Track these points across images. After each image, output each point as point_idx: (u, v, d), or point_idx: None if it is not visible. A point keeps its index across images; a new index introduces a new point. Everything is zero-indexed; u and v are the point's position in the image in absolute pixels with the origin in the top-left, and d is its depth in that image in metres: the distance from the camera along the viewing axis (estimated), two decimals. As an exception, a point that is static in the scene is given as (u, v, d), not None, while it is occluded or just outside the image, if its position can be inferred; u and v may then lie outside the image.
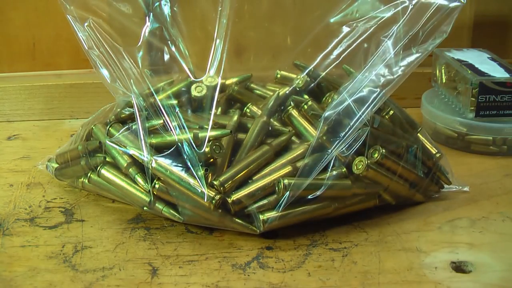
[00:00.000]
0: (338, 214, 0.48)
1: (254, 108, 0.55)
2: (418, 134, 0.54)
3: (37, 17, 0.75)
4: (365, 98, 0.48)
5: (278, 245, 0.46)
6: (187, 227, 0.49)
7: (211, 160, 0.48)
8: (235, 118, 0.52)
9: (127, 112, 0.53)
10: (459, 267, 0.43)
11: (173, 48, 0.56)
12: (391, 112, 0.52)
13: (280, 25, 0.60)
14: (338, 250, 0.46)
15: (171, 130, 0.49)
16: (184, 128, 0.49)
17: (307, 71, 0.55)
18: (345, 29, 0.54)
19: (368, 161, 0.47)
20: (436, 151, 0.54)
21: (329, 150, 0.47)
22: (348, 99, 0.48)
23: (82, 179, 0.53)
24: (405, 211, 0.51)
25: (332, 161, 0.47)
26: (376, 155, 0.48)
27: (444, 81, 0.68)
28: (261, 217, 0.46)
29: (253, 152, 0.49)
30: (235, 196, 0.46)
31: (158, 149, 0.48)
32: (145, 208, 0.49)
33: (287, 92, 0.55)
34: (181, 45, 0.56)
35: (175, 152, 0.48)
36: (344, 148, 0.47)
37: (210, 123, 0.50)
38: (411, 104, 0.71)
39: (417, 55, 0.49)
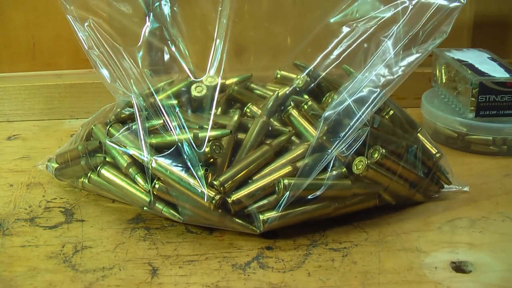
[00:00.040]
0: (338, 214, 0.48)
1: (254, 108, 0.55)
2: (418, 134, 0.54)
3: (37, 17, 0.75)
4: (365, 98, 0.48)
5: (278, 245, 0.46)
6: (187, 227, 0.49)
7: (211, 160, 0.48)
8: (235, 118, 0.52)
9: (127, 112, 0.53)
10: (459, 267, 0.43)
11: (173, 48, 0.56)
12: (391, 112, 0.52)
13: (280, 25, 0.60)
14: (338, 250, 0.46)
15: (171, 130, 0.49)
16: (184, 128, 0.49)
17: (307, 71, 0.55)
18: (345, 29, 0.54)
19: (368, 161, 0.47)
20: (436, 151, 0.54)
21: (329, 150, 0.47)
22: (348, 99, 0.48)
23: (82, 179, 0.53)
24: (405, 211, 0.51)
25: (332, 161, 0.47)
26: (376, 155, 0.48)
27: (444, 81, 0.68)
28: (261, 217, 0.46)
29: (253, 152, 0.49)
30: (235, 196, 0.46)
31: (158, 149, 0.48)
32: (145, 208, 0.49)
33: (287, 92, 0.55)
34: (181, 45, 0.56)
35: (175, 152, 0.48)
36: (344, 148, 0.47)
37: (210, 123, 0.50)
38: (411, 104, 0.71)
39: (417, 55, 0.49)
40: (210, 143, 0.47)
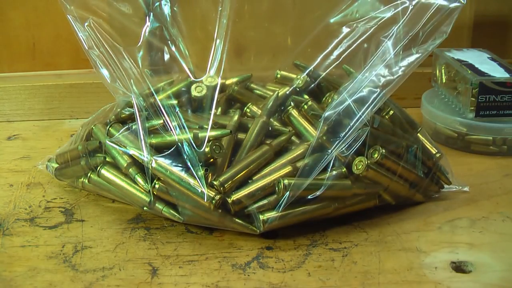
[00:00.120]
0: (338, 214, 0.48)
1: (254, 108, 0.55)
2: (418, 134, 0.54)
3: (37, 17, 0.75)
4: (365, 98, 0.48)
5: (278, 245, 0.46)
6: (187, 227, 0.49)
7: (211, 160, 0.48)
8: (235, 118, 0.52)
9: (127, 112, 0.53)
10: (459, 267, 0.43)
11: (173, 48, 0.56)
12: (391, 112, 0.52)
13: (280, 25, 0.60)
14: (338, 250, 0.46)
15: (171, 130, 0.49)
16: (184, 128, 0.49)
17: (307, 71, 0.55)
18: (345, 30, 0.54)
19: (368, 161, 0.47)
20: (436, 151, 0.54)
21: (329, 150, 0.47)
22: (348, 99, 0.48)
23: (82, 179, 0.53)
24: (405, 211, 0.51)
25: (332, 161, 0.47)
26: (376, 155, 0.48)
27: (444, 81, 0.68)
28: (261, 217, 0.46)
29: (253, 152, 0.49)
30: (235, 196, 0.46)
31: (158, 149, 0.48)
32: (145, 208, 0.49)
33: (287, 92, 0.55)
34: (181, 45, 0.56)
35: (175, 152, 0.48)
36: (344, 148, 0.47)
37: (210, 123, 0.50)
38: (411, 104, 0.71)
39: (417, 55, 0.49)
40: (210, 143, 0.47)
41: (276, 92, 0.54)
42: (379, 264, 0.44)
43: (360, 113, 0.47)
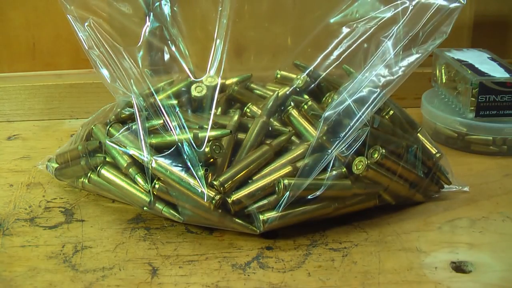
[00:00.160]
0: (338, 214, 0.48)
1: (254, 108, 0.55)
2: (418, 134, 0.54)
3: (37, 17, 0.75)
4: (365, 99, 0.48)
5: (278, 245, 0.46)
6: (187, 227, 0.49)
7: (211, 160, 0.48)
8: (235, 118, 0.52)
9: (127, 112, 0.53)
10: (459, 267, 0.43)
11: (173, 48, 0.56)
12: (391, 112, 0.52)
13: (280, 25, 0.60)
14: (338, 250, 0.46)
15: (171, 130, 0.49)
16: (184, 128, 0.49)
17: (307, 71, 0.55)
18: (345, 30, 0.54)
19: (368, 161, 0.47)
20: (436, 151, 0.54)
21: (329, 150, 0.47)
22: (348, 99, 0.48)
23: (82, 179, 0.53)
24: (405, 211, 0.51)
25: (332, 161, 0.47)
26: (376, 155, 0.48)
27: (444, 81, 0.68)
28: (261, 217, 0.46)
29: (253, 152, 0.49)
30: (235, 196, 0.46)
31: (158, 149, 0.48)
32: (145, 208, 0.49)
33: (287, 92, 0.55)
34: (181, 45, 0.56)
35: (175, 152, 0.48)
36: (344, 148, 0.47)
37: (210, 123, 0.50)
38: (411, 104, 0.71)
39: (417, 55, 0.49)
40: (210, 143, 0.47)
41: (276, 92, 0.54)
42: (379, 264, 0.44)
43: (360, 113, 0.47)
